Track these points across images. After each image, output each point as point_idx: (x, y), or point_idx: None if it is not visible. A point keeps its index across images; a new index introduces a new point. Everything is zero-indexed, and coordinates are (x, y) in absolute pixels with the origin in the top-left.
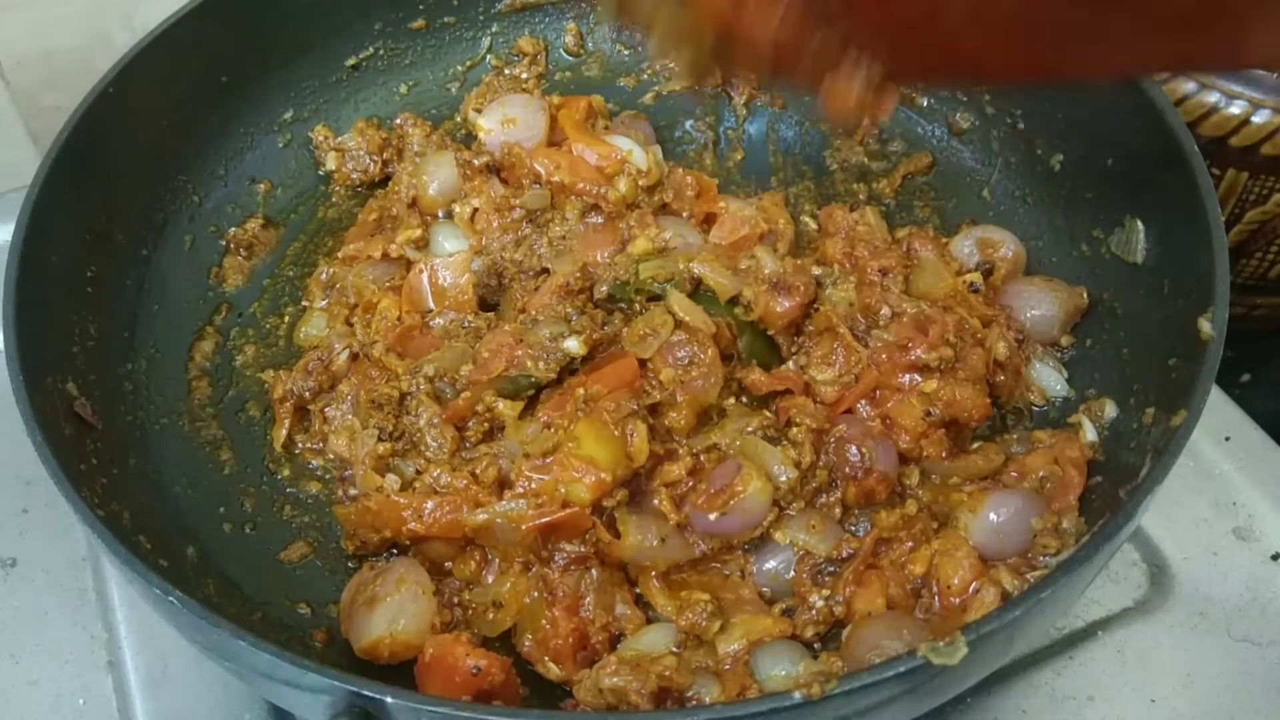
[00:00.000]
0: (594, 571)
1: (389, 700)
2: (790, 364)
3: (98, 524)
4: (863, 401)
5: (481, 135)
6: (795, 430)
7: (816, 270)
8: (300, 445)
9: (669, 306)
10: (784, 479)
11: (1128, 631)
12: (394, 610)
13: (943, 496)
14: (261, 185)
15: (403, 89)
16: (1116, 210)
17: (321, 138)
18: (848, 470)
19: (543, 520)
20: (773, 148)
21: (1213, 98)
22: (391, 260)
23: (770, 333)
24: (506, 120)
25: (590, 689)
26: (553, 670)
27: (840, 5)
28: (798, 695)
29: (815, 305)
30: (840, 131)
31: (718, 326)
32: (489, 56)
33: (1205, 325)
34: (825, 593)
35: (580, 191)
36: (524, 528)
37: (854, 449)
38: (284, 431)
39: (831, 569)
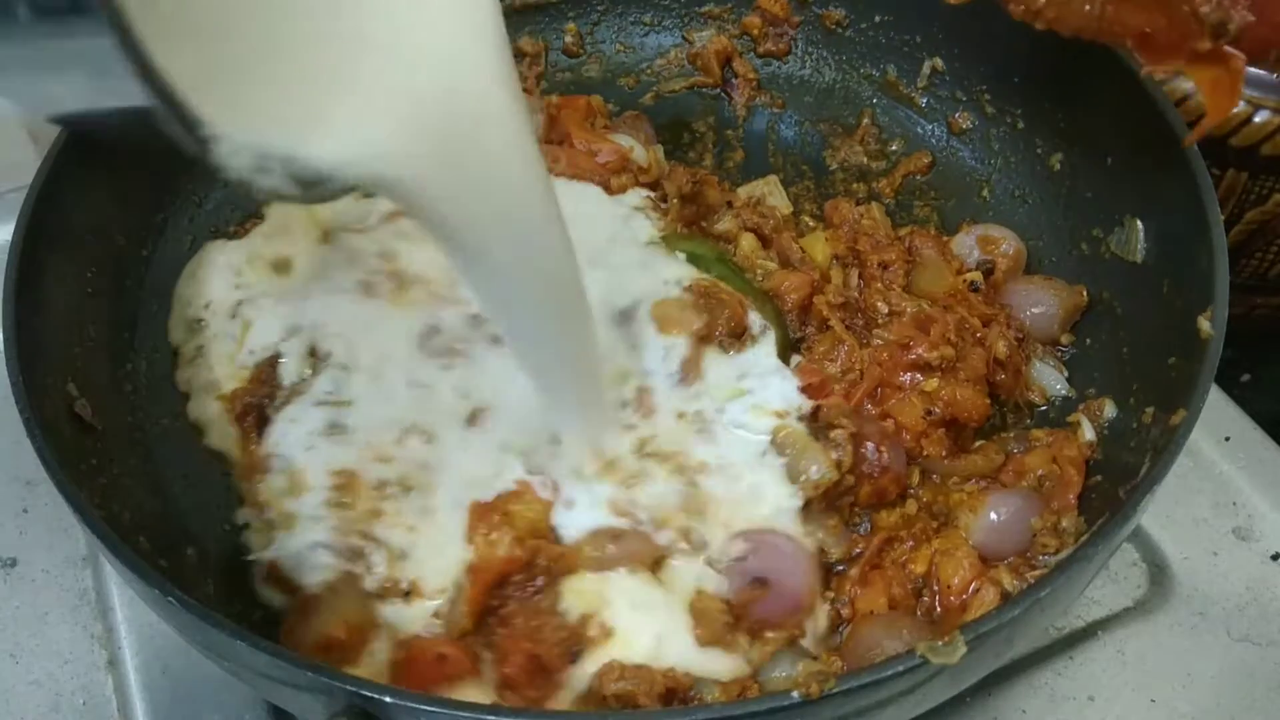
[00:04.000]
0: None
1: (389, 700)
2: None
3: (98, 524)
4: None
5: None
6: (837, 432)
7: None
8: None
9: None
10: (819, 478)
11: (1128, 631)
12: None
13: (943, 496)
14: None
15: None
16: (1116, 210)
17: None
18: (864, 469)
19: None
20: (773, 148)
21: None
22: None
23: (784, 314)
24: None
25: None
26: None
27: None
28: (797, 695)
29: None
30: (840, 131)
31: (730, 306)
32: None
33: (1205, 325)
34: (830, 594)
35: None
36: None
37: (872, 447)
38: None
39: (839, 569)
